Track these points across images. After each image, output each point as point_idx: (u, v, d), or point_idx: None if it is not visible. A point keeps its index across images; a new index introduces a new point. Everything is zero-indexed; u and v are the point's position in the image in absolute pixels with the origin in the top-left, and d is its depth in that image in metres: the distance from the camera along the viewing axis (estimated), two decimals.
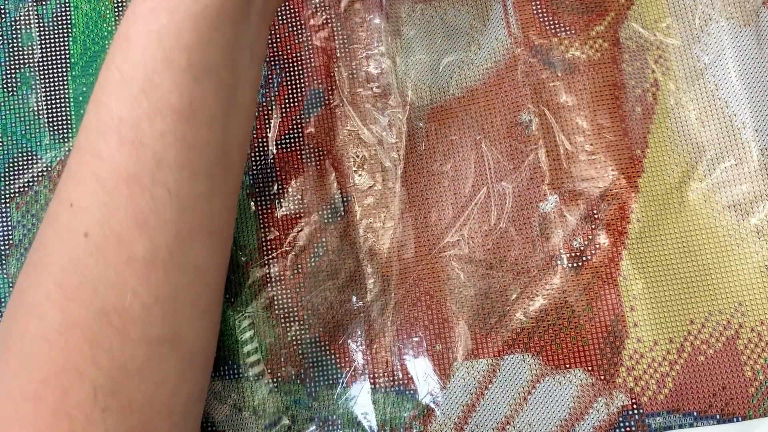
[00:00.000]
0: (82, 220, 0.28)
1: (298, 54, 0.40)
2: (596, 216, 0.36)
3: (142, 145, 0.28)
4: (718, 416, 0.34)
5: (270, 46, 0.40)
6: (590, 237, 0.36)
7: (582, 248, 0.36)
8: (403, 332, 0.36)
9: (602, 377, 0.35)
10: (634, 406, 0.34)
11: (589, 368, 0.35)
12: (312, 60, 0.40)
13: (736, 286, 0.35)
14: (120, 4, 0.41)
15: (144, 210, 0.28)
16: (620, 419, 0.34)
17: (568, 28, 0.38)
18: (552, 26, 0.38)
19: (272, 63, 0.40)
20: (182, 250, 0.29)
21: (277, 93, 0.40)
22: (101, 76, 0.29)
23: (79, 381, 0.27)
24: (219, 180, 0.30)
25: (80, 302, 0.27)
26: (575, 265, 0.36)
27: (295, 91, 0.40)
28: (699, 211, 0.36)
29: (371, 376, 0.36)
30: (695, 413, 0.34)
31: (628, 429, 0.34)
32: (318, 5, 0.40)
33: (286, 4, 0.41)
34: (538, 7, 0.39)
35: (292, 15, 0.40)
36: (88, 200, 0.28)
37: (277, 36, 0.40)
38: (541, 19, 0.39)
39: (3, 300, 0.39)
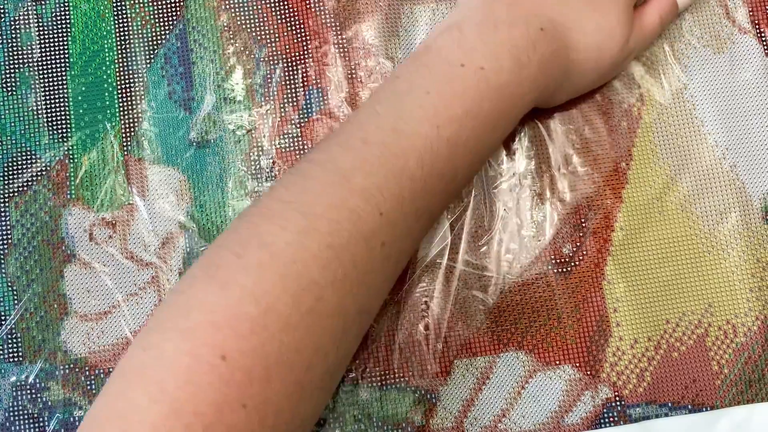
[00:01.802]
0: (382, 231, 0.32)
1: (298, 54, 0.41)
2: (584, 224, 0.39)
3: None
4: (689, 406, 0.38)
5: (269, 45, 0.41)
6: (578, 244, 0.39)
7: (571, 254, 0.39)
8: (403, 332, 0.38)
9: (588, 373, 0.38)
10: (617, 399, 0.38)
11: (577, 364, 0.38)
12: (311, 59, 0.41)
13: (707, 289, 0.39)
14: (118, 4, 0.41)
15: None
16: (604, 410, 0.38)
17: None
18: None
19: (272, 62, 0.41)
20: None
21: (276, 93, 0.41)
22: None
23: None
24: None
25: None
26: (564, 270, 0.39)
27: (294, 90, 0.41)
28: (676, 221, 0.39)
29: (372, 374, 0.38)
30: (670, 404, 0.38)
31: (611, 419, 0.38)
32: (318, 4, 0.41)
33: (287, 3, 0.41)
34: None
35: (292, 14, 0.41)
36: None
37: (276, 36, 0.41)
38: None
39: (2, 300, 0.39)
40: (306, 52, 0.41)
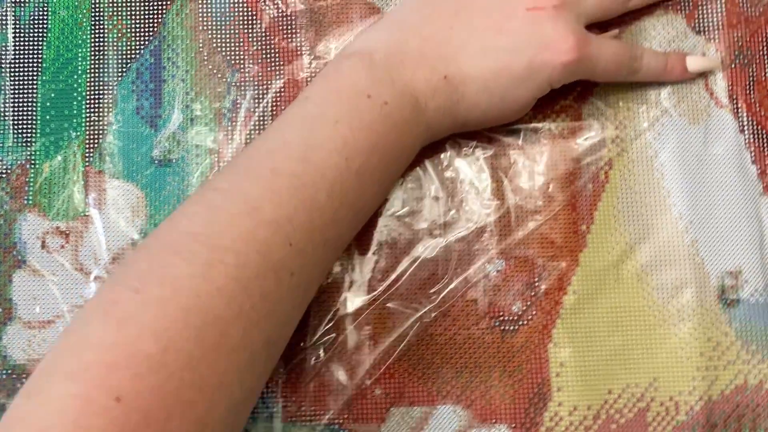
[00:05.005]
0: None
1: (269, 81, 0.41)
2: (537, 284, 0.39)
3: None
4: None
5: (242, 71, 0.41)
6: (528, 303, 0.39)
7: (520, 313, 0.38)
8: (342, 373, 0.38)
9: None
10: None
11: (513, 425, 0.38)
12: (283, 88, 0.41)
13: (654, 363, 0.38)
14: (97, 14, 0.41)
15: None
16: None
17: None
18: None
19: (242, 88, 0.41)
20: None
21: (244, 119, 0.40)
22: None
23: None
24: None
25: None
26: (512, 328, 0.38)
27: (262, 118, 0.40)
28: (631, 290, 0.39)
29: (305, 413, 0.38)
30: None
31: None
32: (294, 33, 0.41)
33: (262, 29, 0.41)
34: None
35: (267, 41, 0.41)
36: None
37: (251, 61, 0.41)
38: None
39: None
40: (278, 77, 0.41)
